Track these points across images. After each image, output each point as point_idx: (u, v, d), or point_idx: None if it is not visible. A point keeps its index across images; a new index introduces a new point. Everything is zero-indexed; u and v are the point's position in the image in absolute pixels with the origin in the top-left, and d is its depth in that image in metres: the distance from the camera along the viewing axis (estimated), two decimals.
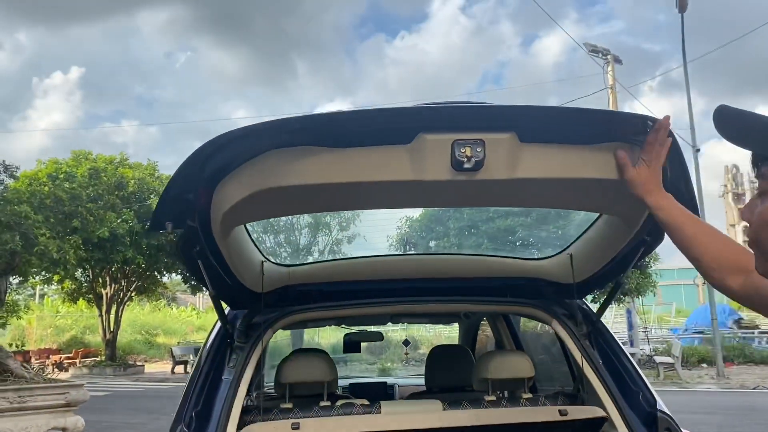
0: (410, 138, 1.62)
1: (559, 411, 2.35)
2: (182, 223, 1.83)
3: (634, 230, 2.06)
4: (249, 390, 2.38)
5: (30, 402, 8.27)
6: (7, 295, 9.67)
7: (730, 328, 25.64)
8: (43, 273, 15.25)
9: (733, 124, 1.10)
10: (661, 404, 2.26)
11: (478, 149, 1.60)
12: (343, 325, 4.45)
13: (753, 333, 25.15)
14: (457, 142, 1.60)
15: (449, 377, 3.29)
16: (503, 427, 2.34)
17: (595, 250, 2.39)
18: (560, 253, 2.64)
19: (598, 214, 2.29)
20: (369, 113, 1.68)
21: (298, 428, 2.18)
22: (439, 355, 3.82)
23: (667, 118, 1.60)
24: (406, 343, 6.64)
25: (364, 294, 2.61)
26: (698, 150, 18.09)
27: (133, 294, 25.88)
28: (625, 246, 2.17)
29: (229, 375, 2.24)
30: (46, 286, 28.81)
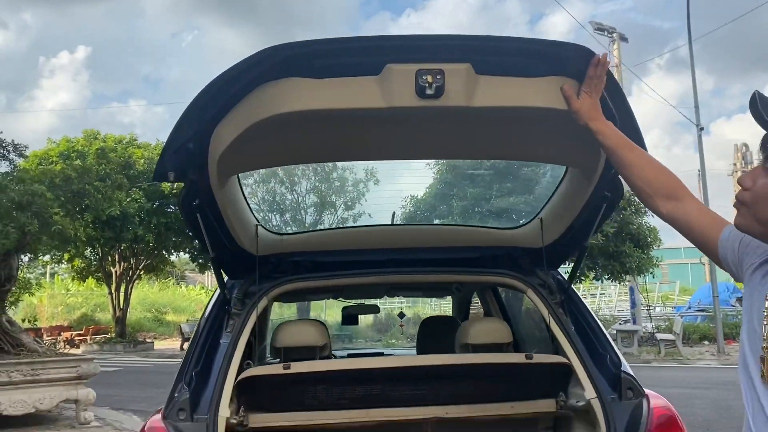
0: (379, 69, 1.81)
1: (525, 356, 2.55)
2: (183, 176, 2.05)
3: (594, 183, 2.24)
4: (247, 357, 2.59)
5: (43, 375, 8.57)
6: (19, 272, 9.91)
7: (733, 305, 25.78)
8: (53, 251, 15.51)
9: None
10: (626, 366, 2.45)
11: (438, 77, 1.79)
12: (341, 299, 4.66)
13: None
14: (420, 71, 1.79)
15: (438, 345, 3.50)
16: (472, 367, 2.55)
17: (561, 212, 2.60)
18: (532, 219, 2.83)
19: (563, 176, 2.48)
20: (343, 40, 1.87)
21: (288, 368, 2.40)
22: (429, 325, 4.04)
23: (605, 54, 1.83)
24: (401, 315, 6.93)
25: (355, 265, 2.79)
26: (702, 129, 18.13)
27: (142, 272, 26.23)
28: (588, 202, 2.35)
29: (227, 339, 2.44)
30: (57, 264, 29.18)
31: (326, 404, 2.51)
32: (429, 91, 1.79)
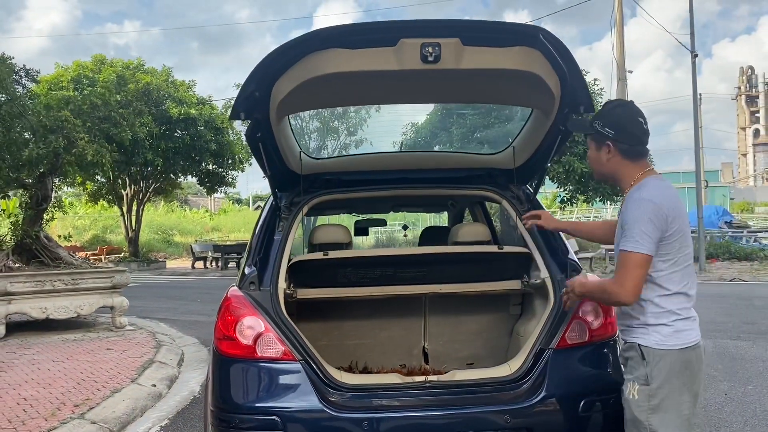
0: (395, 42, 2.57)
1: (498, 247, 3.46)
2: (251, 115, 2.85)
3: (551, 120, 3.08)
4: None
5: (82, 284, 9.58)
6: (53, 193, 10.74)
7: (720, 227, 26.83)
8: (80, 174, 16.19)
9: None
10: (572, 255, 3.31)
11: (437, 48, 2.56)
12: (360, 213, 5.58)
13: (742, 232, 26.41)
14: (424, 44, 2.55)
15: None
16: (458, 255, 3.47)
17: (528, 141, 3.47)
18: (507, 147, 3.65)
19: (529, 115, 3.31)
20: (373, 25, 2.63)
21: (327, 255, 3.34)
22: (428, 233, 4.95)
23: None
24: (404, 227, 7.89)
25: (373, 182, 3.63)
26: (696, 55, 18.56)
27: (151, 195, 27.12)
28: (547, 134, 3.20)
29: (278, 236, 3.30)
30: (69, 188, 30.04)
31: (353, 282, 3.41)
32: (430, 58, 2.55)
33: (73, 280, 9.52)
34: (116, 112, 10.46)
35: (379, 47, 2.58)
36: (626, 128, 2.51)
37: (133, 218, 26.42)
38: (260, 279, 3.05)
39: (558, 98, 2.91)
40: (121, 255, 27.81)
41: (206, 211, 52.33)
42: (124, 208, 26.26)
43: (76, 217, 39.17)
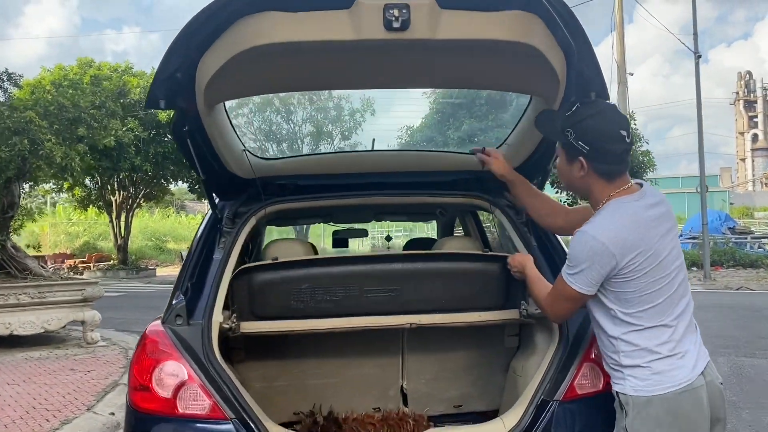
0: (350, 3, 1.95)
1: (482, 251, 2.82)
2: (173, 103, 2.23)
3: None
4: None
5: (49, 297, 8.94)
6: (20, 200, 10.12)
7: (723, 233, 26.22)
8: (52, 181, 15.62)
9: None
10: None
11: (404, 11, 1.94)
12: (331, 223, 4.91)
13: (746, 238, 25.80)
14: (387, 6, 1.94)
15: None
16: (436, 268, 2.84)
17: (527, 138, 2.80)
18: (500, 145, 3.02)
19: (528, 104, 2.66)
20: None
21: (276, 259, 2.65)
22: (412, 245, 4.30)
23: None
24: (388, 238, 7.22)
25: (336, 187, 3.00)
26: (699, 56, 18.02)
27: (142, 201, 26.50)
28: None
29: (219, 255, 2.67)
30: (57, 194, 29.43)
31: (311, 310, 2.77)
32: (396, 24, 1.93)
33: (39, 293, 8.89)
34: (87, 113, 9.85)
35: (329, 10, 1.97)
36: (604, 146, 2.07)
37: (122, 225, 25.79)
38: (190, 310, 2.43)
39: (563, 81, 2.29)
40: (110, 263, 27.15)
41: (203, 216, 51.65)
42: (113, 215, 25.63)
43: (70, 224, 38.64)
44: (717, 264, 20.42)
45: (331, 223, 4.98)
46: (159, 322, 2.45)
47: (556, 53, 2.17)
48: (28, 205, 12.65)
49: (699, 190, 35.61)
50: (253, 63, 2.10)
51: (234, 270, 2.60)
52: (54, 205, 40.50)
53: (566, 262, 2.11)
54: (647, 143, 19.53)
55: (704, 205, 18.81)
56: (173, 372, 2.26)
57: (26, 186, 12.59)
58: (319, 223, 4.74)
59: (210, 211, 2.90)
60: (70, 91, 12.02)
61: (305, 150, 21.68)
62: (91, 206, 27.39)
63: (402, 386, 3.14)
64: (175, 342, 2.31)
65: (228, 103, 2.65)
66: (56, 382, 6.82)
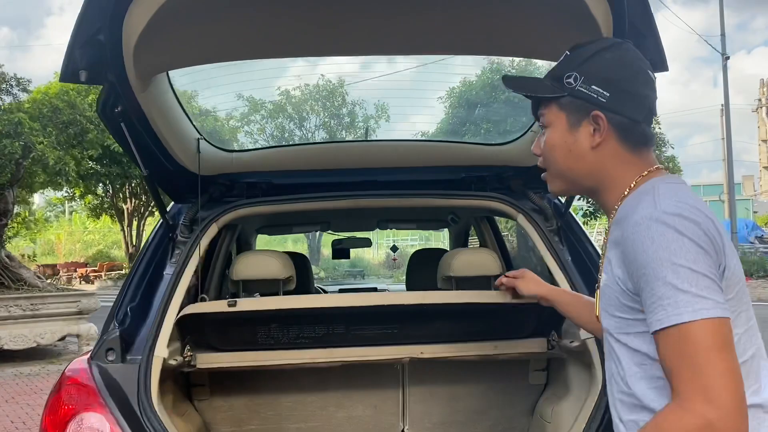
0: None
1: (511, 293, 2.15)
2: (98, 75, 1.70)
3: None
4: (199, 290, 2.29)
5: (43, 310, 8.50)
6: (24, 207, 9.72)
7: (752, 242, 25.32)
8: (48, 187, 15.21)
9: None
10: None
11: None
12: (329, 231, 4.35)
13: None
14: None
15: (428, 279, 3.18)
16: (446, 306, 2.23)
17: None
18: (525, 133, 2.43)
19: None
20: None
21: (234, 305, 2.09)
22: (419, 258, 3.72)
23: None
24: (393, 249, 6.59)
25: (321, 186, 2.44)
26: (728, 57, 17.31)
27: (153, 209, 26.20)
28: None
29: (170, 270, 2.13)
30: (71, 202, 29.25)
31: (283, 343, 2.22)
32: None
33: (32, 305, 8.45)
34: (83, 115, 9.41)
35: None
36: (635, 88, 1.32)
37: (134, 233, 25.49)
38: (127, 343, 1.90)
39: None
40: (121, 272, 26.86)
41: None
42: (125, 223, 25.34)
43: (85, 232, 38.65)
44: (747, 275, 19.57)
45: (329, 232, 4.42)
46: (86, 358, 1.91)
47: (600, 3, 1.62)
48: (24, 213, 12.26)
49: (721, 198, 34.84)
50: (193, 14, 1.56)
51: (181, 305, 2.04)
52: (71, 213, 40.57)
53: (654, 296, 1.11)
54: (672, 147, 18.75)
55: (734, 213, 18.04)
56: (93, 427, 1.72)
57: (35, 195, 12.22)
58: (313, 231, 4.15)
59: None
60: (70, 92, 11.61)
61: (282, 140, 19.14)
62: (104, 214, 27.17)
63: (403, 431, 2.56)
64: (101, 386, 1.77)
65: (176, 77, 2.09)
66: (40, 403, 6.31)
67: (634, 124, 1.31)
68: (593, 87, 1.32)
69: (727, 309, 1.10)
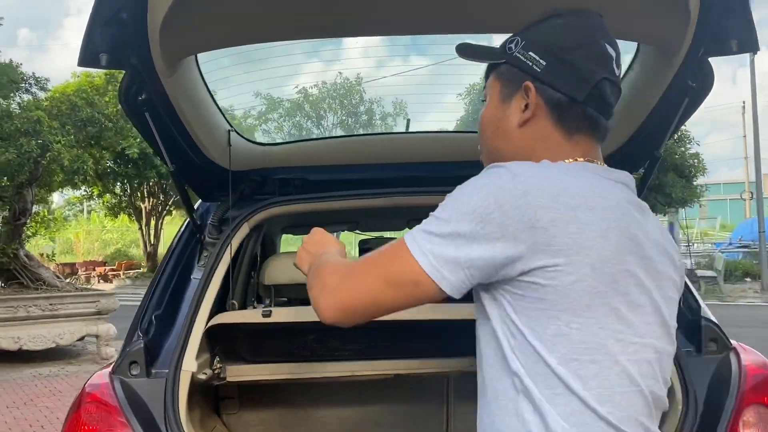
0: None
1: None
2: (120, 59, 1.52)
3: (675, 67, 1.63)
4: (229, 296, 2.11)
5: (62, 310, 8.41)
6: (43, 206, 9.64)
7: None
8: (66, 186, 15.18)
9: None
10: (706, 312, 1.91)
11: None
12: (356, 231, 4.15)
13: None
14: None
15: None
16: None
17: (628, 109, 1.87)
18: None
19: (634, 57, 1.86)
20: None
21: (269, 315, 1.90)
22: None
23: None
24: None
25: (362, 183, 2.24)
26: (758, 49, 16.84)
27: (171, 208, 26.20)
28: (665, 94, 1.73)
29: (197, 275, 1.95)
30: (89, 201, 29.39)
31: (320, 355, 2.03)
32: None
33: (51, 305, 8.36)
34: (102, 113, 9.29)
35: None
36: (573, 58, 1.10)
37: (152, 232, 25.53)
38: (151, 354, 1.73)
39: (694, 21, 1.52)
40: (140, 270, 26.94)
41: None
42: (143, 222, 25.39)
43: (104, 231, 38.88)
44: None
45: (357, 231, 4.22)
46: (108, 371, 1.74)
47: None
48: (44, 211, 12.19)
49: (742, 196, 34.16)
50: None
51: (210, 312, 1.86)
52: (90, 212, 40.86)
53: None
54: (698, 144, 18.23)
55: (761, 211, 17.60)
56: None
57: (54, 194, 12.14)
58: (340, 231, 3.94)
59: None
60: (88, 90, 11.53)
61: (317, 132, 18.42)
62: (122, 213, 27.25)
63: None
64: (123, 404, 1.60)
65: (205, 63, 1.91)
66: (59, 406, 6.22)
67: (571, 104, 1.10)
68: (530, 54, 1.11)
69: (433, 264, 1.03)
